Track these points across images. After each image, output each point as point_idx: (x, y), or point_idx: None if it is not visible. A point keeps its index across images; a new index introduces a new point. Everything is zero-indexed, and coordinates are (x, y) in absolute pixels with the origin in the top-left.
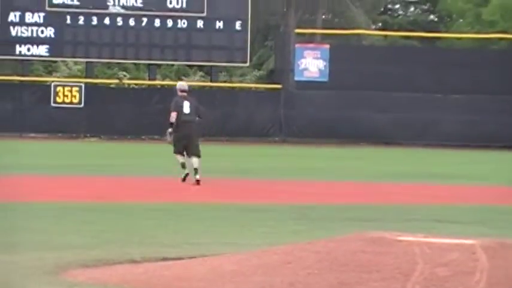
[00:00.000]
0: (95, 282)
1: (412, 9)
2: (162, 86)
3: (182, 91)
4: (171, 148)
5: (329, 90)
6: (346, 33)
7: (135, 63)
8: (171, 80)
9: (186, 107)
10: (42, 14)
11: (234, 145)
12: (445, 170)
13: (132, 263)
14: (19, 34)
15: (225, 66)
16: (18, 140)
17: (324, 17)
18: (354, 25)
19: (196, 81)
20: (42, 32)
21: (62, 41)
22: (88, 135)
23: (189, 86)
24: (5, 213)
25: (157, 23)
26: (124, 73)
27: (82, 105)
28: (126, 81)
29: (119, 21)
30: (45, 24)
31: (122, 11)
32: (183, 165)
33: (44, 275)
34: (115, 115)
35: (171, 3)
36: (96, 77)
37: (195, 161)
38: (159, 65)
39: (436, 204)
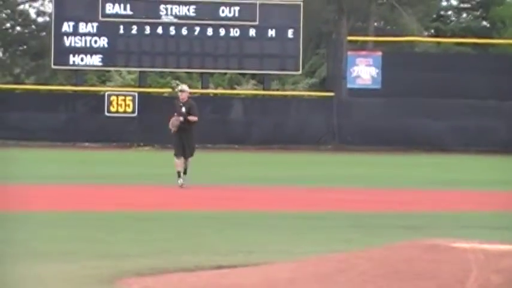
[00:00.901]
0: None
1: (464, 15)
2: (215, 94)
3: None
4: (225, 157)
5: (382, 97)
6: (398, 40)
7: (187, 72)
8: (224, 88)
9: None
10: (95, 24)
11: (286, 153)
12: (500, 177)
13: (187, 272)
14: (73, 44)
15: (277, 75)
16: (72, 149)
17: (376, 24)
18: (406, 32)
19: (249, 89)
20: (95, 42)
21: (115, 51)
22: (141, 144)
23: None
24: (62, 223)
25: (209, 31)
26: (177, 82)
27: (135, 114)
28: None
29: (172, 30)
30: (99, 34)
31: (175, 20)
32: (179, 175)
33: (99, 283)
34: (168, 124)
35: (223, 12)
36: (149, 86)
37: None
38: (211, 74)
39: (491, 211)
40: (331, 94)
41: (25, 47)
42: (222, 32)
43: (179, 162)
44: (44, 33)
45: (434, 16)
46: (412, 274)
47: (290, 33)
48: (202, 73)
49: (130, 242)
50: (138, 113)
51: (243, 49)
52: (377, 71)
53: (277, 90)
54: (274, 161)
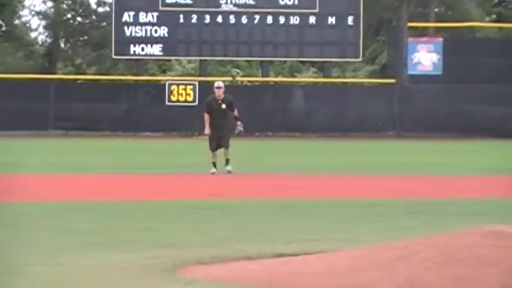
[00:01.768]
0: (212, 279)
1: None
2: (275, 82)
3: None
4: (285, 145)
5: (443, 83)
6: (459, 26)
7: (248, 61)
8: (284, 76)
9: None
10: (155, 14)
11: (347, 140)
12: None
13: (248, 260)
14: (133, 34)
15: (337, 62)
16: (133, 139)
17: (436, 10)
18: (467, 18)
19: (309, 77)
20: (155, 31)
21: (175, 40)
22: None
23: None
24: (121, 212)
25: (269, 20)
26: (237, 70)
27: (196, 103)
28: (239, 78)
29: (232, 19)
30: (159, 23)
31: (235, 8)
32: (214, 165)
33: (162, 272)
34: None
35: (283, 0)
36: (210, 75)
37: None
38: (271, 62)
39: None
40: (392, 81)
41: (86, 37)
42: (282, 20)
43: (213, 155)
44: (105, 24)
45: (496, 1)
46: (474, 260)
47: (350, 20)
48: (262, 61)
49: (190, 231)
50: (198, 102)
51: (303, 37)
52: (438, 57)
53: (338, 77)
54: (335, 148)
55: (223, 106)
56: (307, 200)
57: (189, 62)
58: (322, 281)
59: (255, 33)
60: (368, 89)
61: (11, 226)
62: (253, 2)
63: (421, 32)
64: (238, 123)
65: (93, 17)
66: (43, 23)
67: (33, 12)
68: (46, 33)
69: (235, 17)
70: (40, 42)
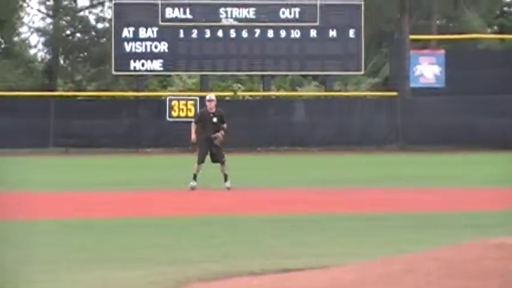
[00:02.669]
0: None
1: None
2: (277, 96)
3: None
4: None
5: (446, 95)
6: (461, 38)
7: (249, 75)
8: (286, 90)
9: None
10: (155, 29)
11: (350, 154)
12: None
13: (253, 275)
14: (133, 50)
15: (339, 75)
16: (134, 155)
17: (438, 22)
18: (469, 29)
19: (311, 90)
20: (155, 46)
21: (175, 55)
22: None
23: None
24: (126, 229)
25: (270, 34)
26: (238, 85)
27: None
28: (240, 93)
29: (232, 33)
30: (159, 38)
31: (235, 23)
32: (195, 177)
33: None
34: (230, 127)
35: (283, 13)
36: (211, 90)
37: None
38: (273, 76)
39: None
40: (395, 94)
41: (85, 53)
42: (283, 33)
43: (197, 167)
44: (104, 39)
45: (498, 12)
46: (479, 273)
47: (351, 33)
48: (263, 75)
49: (192, 247)
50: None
51: (304, 50)
52: (440, 69)
53: (340, 91)
54: (338, 162)
55: (215, 120)
56: (311, 214)
57: (190, 77)
58: None
59: (256, 47)
60: (370, 102)
61: (13, 243)
62: (253, 16)
63: (423, 44)
64: (221, 132)
65: (93, 33)
66: (42, 39)
67: (32, 29)
68: (45, 50)
69: (235, 31)
70: (39, 59)
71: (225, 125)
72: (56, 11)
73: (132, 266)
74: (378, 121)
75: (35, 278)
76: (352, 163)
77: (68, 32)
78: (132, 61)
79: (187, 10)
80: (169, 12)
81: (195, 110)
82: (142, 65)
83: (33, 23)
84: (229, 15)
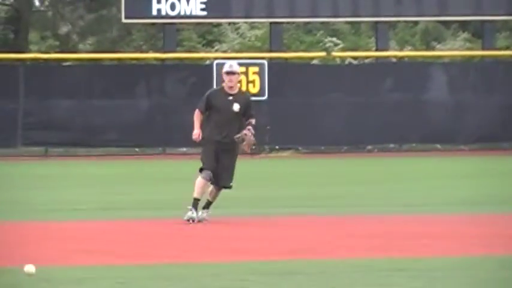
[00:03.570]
0: None
1: None
2: (400, 58)
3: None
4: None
5: None
6: None
7: (351, 23)
8: (415, 49)
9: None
10: None
11: None
12: None
13: None
14: None
15: (506, 22)
16: (160, 159)
17: None
18: None
19: (459, 48)
20: None
21: None
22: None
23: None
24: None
25: None
26: (333, 40)
27: (265, 96)
28: (337, 53)
29: None
30: None
31: None
32: (196, 204)
33: None
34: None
35: None
36: (288, 50)
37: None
38: (392, 25)
39: None
40: None
41: None
42: None
43: (202, 183)
44: None
45: None
46: None
47: None
48: (376, 23)
49: None
50: (268, 95)
51: None
52: None
53: (508, 48)
54: (500, 170)
55: (236, 107)
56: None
57: (252, 27)
58: None
59: None
60: None
61: None
62: None
63: None
64: (249, 128)
65: None
66: None
67: None
68: None
69: None
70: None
71: (253, 120)
72: None
73: None
74: None
75: None
76: None
77: None
78: (154, 1)
79: None
80: None
81: (262, 81)
82: (172, 7)
83: None
84: None
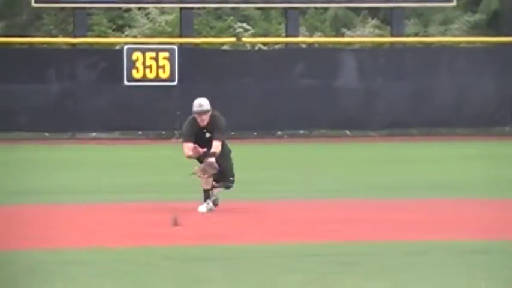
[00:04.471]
0: None
1: None
2: (310, 44)
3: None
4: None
5: None
6: None
7: (262, 8)
8: (325, 35)
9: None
10: None
11: (433, 140)
12: None
13: None
14: None
15: (415, 8)
16: (68, 143)
17: None
18: None
19: (368, 35)
20: None
21: None
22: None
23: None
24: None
25: None
26: (244, 25)
27: (175, 82)
28: (247, 39)
29: None
30: None
31: None
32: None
33: None
34: (230, 99)
35: None
36: (198, 35)
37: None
38: (302, 11)
39: None
40: (509, 40)
41: None
42: None
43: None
44: None
45: None
46: None
47: None
48: (286, 9)
49: None
50: (179, 80)
51: None
52: None
53: (417, 35)
54: (407, 155)
55: (208, 135)
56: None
57: (163, 12)
58: None
59: None
60: (468, 54)
61: None
62: None
63: None
64: (209, 160)
65: None
66: None
67: None
68: None
69: None
70: None
71: (217, 143)
72: None
73: None
74: (482, 86)
75: None
76: (435, 157)
77: None
78: None
79: None
80: None
81: (172, 67)
82: None
83: None
84: None
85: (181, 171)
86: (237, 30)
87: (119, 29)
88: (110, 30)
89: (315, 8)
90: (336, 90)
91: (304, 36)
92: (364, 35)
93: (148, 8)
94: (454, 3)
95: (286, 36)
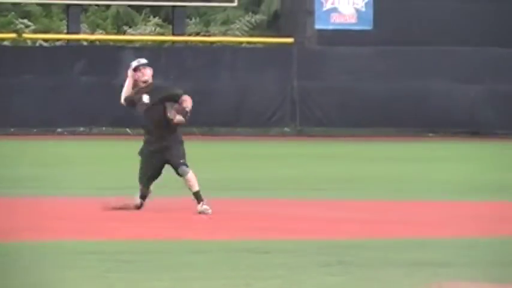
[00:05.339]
0: None
1: None
2: (91, 42)
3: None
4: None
5: (375, 45)
6: None
7: (42, 4)
8: (107, 33)
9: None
10: None
11: (209, 141)
12: None
13: None
14: None
15: (196, 8)
16: None
17: None
18: None
19: (150, 33)
20: None
21: None
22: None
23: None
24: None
25: None
26: (25, 21)
27: None
28: (28, 35)
29: None
30: None
31: None
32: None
33: None
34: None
35: None
36: None
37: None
38: (84, 8)
39: None
40: (289, 40)
41: None
42: None
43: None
44: None
45: None
46: None
47: None
48: (68, 6)
49: None
50: None
51: None
52: (365, 1)
53: (198, 34)
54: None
55: (145, 99)
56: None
57: None
58: None
59: None
60: (248, 54)
61: None
62: None
63: None
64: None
65: None
66: None
67: None
68: None
69: None
70: None
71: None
72: None
73: None
74: (261, 86)
75: None
76: (213, 156)
77: None
78: None
79: None
80: None
81: None
82: None
83: None
84: None
85: None
86: (18, 26)
87: None
88: None
89: (97, 5)
90: (116, 88)
91: (86, 33)
92: (145, 33)
93: None
94: (235, 4)
95: (68, 33)
